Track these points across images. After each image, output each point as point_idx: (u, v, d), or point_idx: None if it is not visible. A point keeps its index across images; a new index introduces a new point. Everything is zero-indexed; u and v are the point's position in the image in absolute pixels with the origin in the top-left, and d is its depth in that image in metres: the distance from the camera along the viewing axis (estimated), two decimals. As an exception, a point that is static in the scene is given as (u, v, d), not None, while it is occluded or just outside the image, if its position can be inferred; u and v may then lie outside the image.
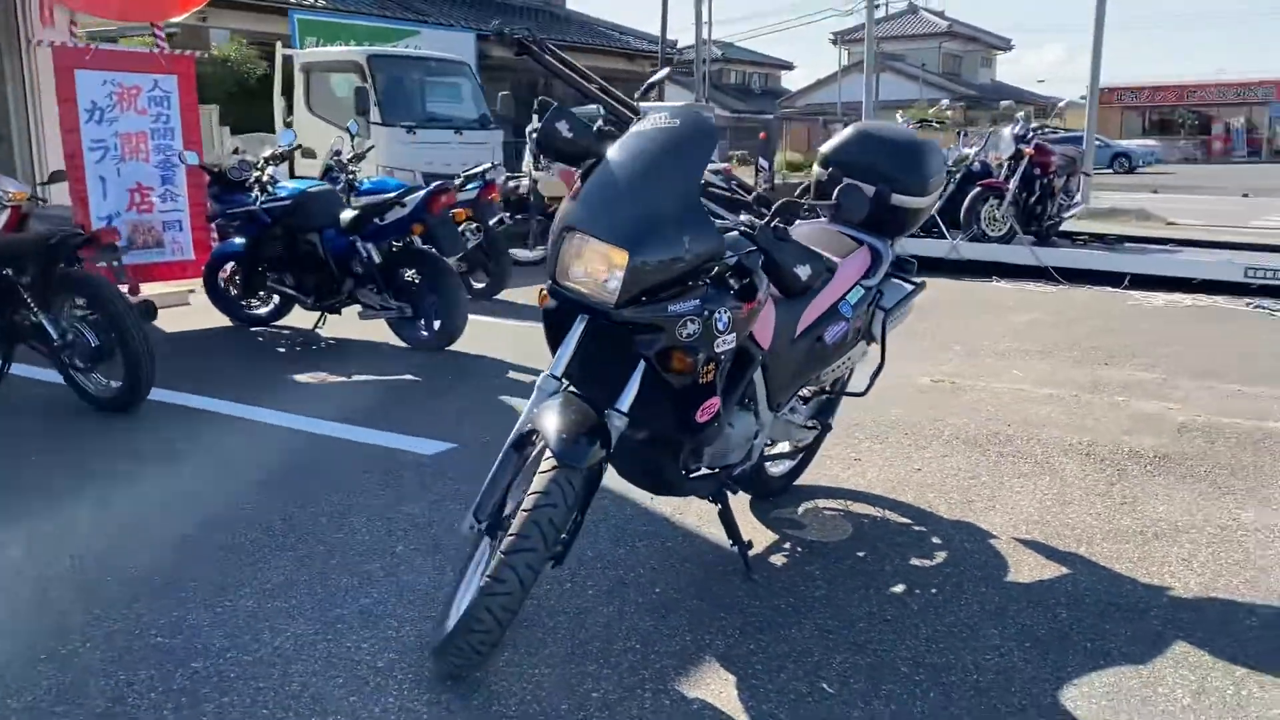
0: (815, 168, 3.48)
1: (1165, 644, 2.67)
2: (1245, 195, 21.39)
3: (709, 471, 2.97)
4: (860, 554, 3.24)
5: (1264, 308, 7.74)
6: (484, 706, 2.36)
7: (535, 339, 2.79)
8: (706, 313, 2.54)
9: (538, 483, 2.30)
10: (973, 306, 7.85)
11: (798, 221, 3.18)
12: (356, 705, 2.36)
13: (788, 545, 3.31)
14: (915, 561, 3.20)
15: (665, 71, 2.93)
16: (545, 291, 2.69)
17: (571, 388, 2.60)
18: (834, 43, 50.19)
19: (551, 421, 2.38)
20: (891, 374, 3.67)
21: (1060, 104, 16.40)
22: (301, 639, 2.67)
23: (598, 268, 2.44)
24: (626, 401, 2.53)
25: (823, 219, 3.45)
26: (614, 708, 2.37)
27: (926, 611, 2.85)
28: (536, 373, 2.60)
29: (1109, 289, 8.62)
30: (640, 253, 2.39)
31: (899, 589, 3.00)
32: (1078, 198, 10.42)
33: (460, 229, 6.83)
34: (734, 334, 2.63)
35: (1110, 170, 32.83)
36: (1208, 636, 2.71)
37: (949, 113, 13.49)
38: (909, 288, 3.46)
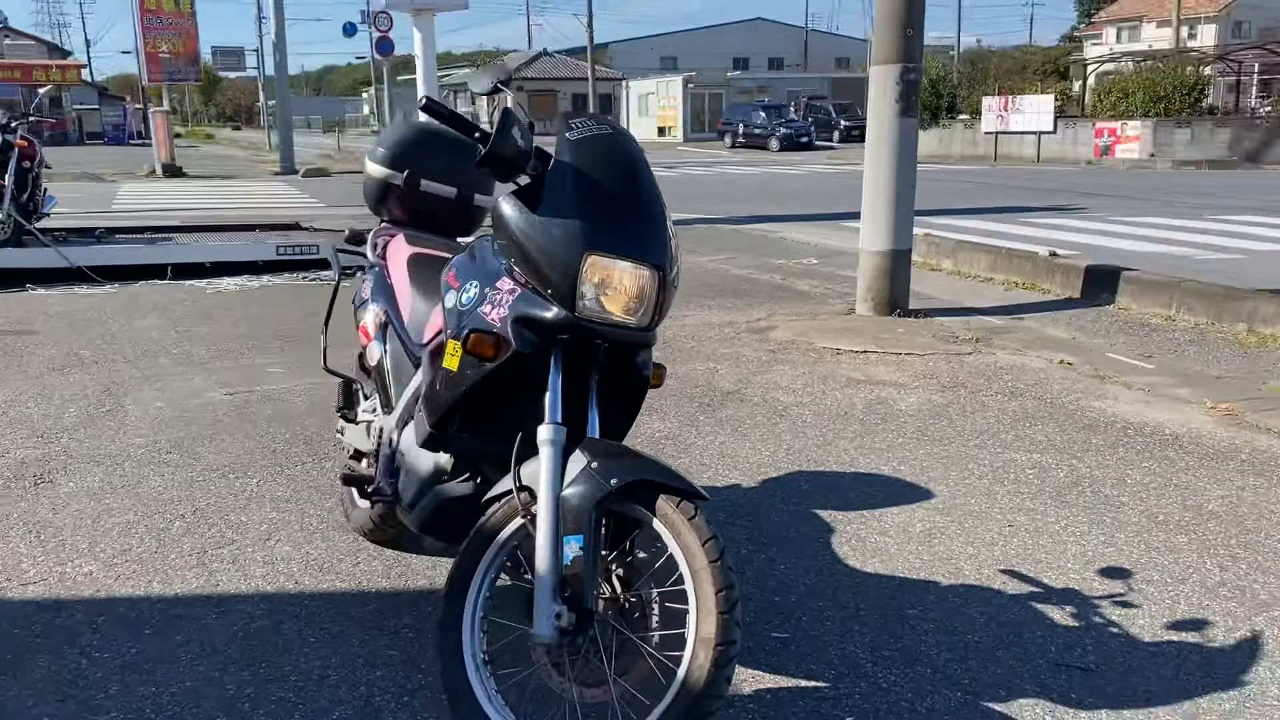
0: (375, 169, 3.11)
1: (866, 495, 3.51)
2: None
3: None
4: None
5: (319, 279, 8.44)
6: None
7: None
8: None
9: (698, 531, 2.01)
10: (92, 320, 6.80)
11: (393, 236, 3.08)
12: None
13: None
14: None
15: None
16: (480, 338, 2.18)
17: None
18: None
19: (651, 468, 2.09)
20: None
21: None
22: None
23: (631, 291, 2.14)
24: (596, 429, 2.27)
25: (401, 231, 3.14)
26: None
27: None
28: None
29: (160, 281, 8.29)
30: (671, 268, 2.20)
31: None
32: (51, 193, 9.43)
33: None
34: None
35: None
36: (842, 496, 3.55)
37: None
38: None
